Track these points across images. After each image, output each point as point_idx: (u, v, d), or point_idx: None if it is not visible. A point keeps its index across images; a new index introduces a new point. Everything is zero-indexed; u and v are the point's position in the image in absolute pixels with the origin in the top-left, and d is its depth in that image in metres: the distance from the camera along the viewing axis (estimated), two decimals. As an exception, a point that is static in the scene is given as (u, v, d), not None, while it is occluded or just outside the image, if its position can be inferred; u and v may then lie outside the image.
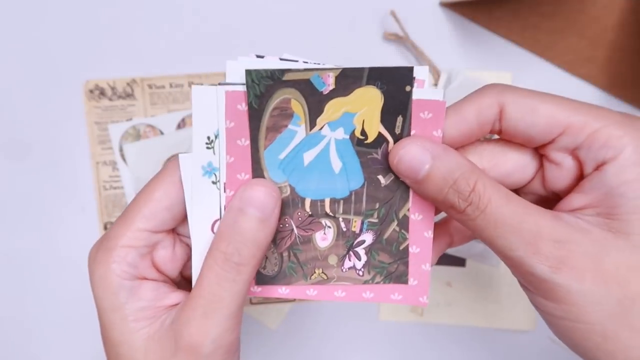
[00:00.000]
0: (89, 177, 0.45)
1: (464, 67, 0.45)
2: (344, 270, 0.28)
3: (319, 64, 0.25)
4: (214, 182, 0.26)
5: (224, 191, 0.26)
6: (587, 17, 0.45)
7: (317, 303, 0.47)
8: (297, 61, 0.25)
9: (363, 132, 0.26)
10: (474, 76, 0.45)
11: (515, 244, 0.24)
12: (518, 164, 0.27)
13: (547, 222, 0.24)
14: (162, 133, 0.45)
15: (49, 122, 0.45)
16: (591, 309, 0.23)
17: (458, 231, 0.30)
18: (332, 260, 0.28)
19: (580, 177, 0.25)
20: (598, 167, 0.24)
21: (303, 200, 0.27)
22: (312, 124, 0.25)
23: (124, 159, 0.45)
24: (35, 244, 0.45)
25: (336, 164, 0.26)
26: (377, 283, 0.28)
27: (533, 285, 0.25)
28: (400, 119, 0.25)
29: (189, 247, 0.28)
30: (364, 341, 0.48)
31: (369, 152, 0.26)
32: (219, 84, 0.25)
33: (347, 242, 0.27)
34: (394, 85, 0.25)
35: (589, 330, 0.24)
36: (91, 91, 0.45)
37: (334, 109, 0.25)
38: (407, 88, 0.25)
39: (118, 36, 0.45)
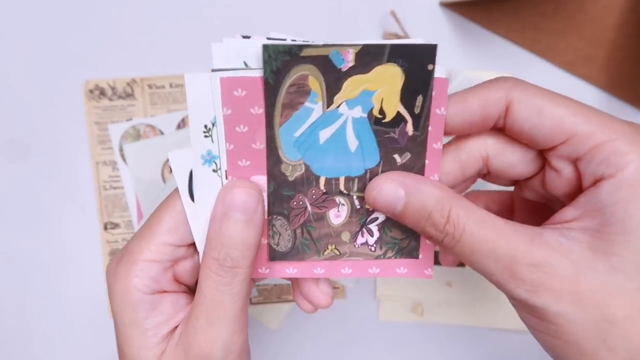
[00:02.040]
0: (89, 177, 0.45)
1: (464, 67, 0.45)
2: (357, 246, 0.28)
3: (307, 41, 0.25)
4: (214, 171, 0.26)
5: (226, 178, 0.26)
6: (587, 17, 0.45)
7: (317, 303, 0.47)
8: (285, 39, 0.25)
9: (381, 111, 0.25)
10: (474, 76, 0.45)
11: (492, 269, 0.24)
12: (523, 159, 0.27)
13: (523, 246, 0.24)
14: (162, 133, 0.45)
15: (49, 122, 0.45)
16: (569, 329, 0.23)
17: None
18: (345, 236, 0.28)
19: (580, 188, 0.25)
20: (595, 182, 0.24)
21: (317, 178, 0.27)
22: (329, 101, 0.25)
23: (124, 159, 0.45)
24: (35, 244, 0.45)
25: (352, 143, 0.26)
26: (388, 258, 0.28)
27: (515, 302, 0.25)
28: (420, 98, 0.25)
29: None
30: (364, 341, 0.48)
31: (387, 131, 0.26)
32: (212, 70, 0.25)
33: (360, 219, 0.27)
34: (416, 63, 0.24)
35: (567, 347, 0.24)
36: (91, 91, 0.45)
37: (352, 86, 0.25)
38: (429, 66, 0.24)
39: (118, 36, 0.45)
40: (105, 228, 0.46)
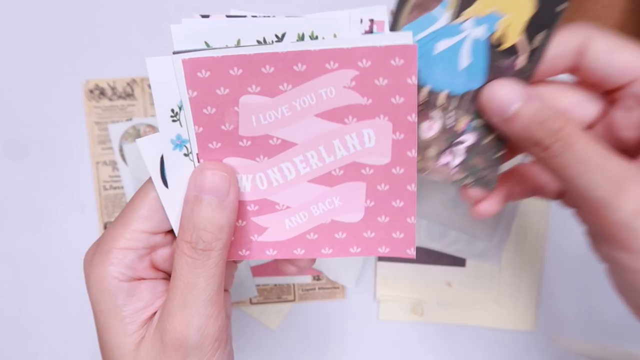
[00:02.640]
0: (89, 177, 0.45)
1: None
2: (438, 165, 0.28)
3: (268, 16, 0.24)
4: (185, 155, 0.26)
5: (198, 162, 0.26)
6: (587, 17, 0.45)
7: (317, 303, 0.47)
8: (245, 16, 0.25)
9: (501, 37, 0.25)
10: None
11: (599, 183, 0.23)
12: (578, 101, 0.27)
13: (631, 166, 0.24)
14: (162, 133, 0.45)
15: (49, 122, 0.45)
16: None
17: (520, 183, 0.30)
18: (431, 152, 0.28)
19: None
20: None
21: (421, 88, 0.27)
22: (458, 13, 0.25)
23: (124, 159, 0.45)
24: (35, 244, 0.45)
25: (464, 61, 0.26)
26: (466, 185, 0.28)
27: (609, 233, 0.24)
28: (542, 35, 0.25)
29: None
30: (364, 341, 0.48)
31: (499, 58, 0.26)
32: (174, 52, 0.24)
33: (449, 138, 0.27)
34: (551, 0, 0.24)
35: None
36: (91, 91, 0.45)
37: (484, 4, 0.25)
38: (561, 7, 0.24)
39: (118, 36, 0.45)
40: (105, 228, 0.46)
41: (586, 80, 0.26)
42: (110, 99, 0.45)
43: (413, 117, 0.26)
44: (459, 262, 0.47)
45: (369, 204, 0.27)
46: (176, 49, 0.25)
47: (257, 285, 0.47)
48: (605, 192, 0.23)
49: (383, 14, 0.25)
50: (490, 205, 0.29)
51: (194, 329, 0.25)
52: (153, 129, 0.45)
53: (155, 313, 0.27)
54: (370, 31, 0.25)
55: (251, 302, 0.47)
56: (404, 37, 0.24)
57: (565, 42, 0.25)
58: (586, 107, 0.27)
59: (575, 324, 0.47)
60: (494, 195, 0.29)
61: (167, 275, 0.28)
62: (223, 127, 0.26)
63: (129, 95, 0.45)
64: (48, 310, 0.46)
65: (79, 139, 0.45)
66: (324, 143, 0.26)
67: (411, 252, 0.28)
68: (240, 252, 0.28)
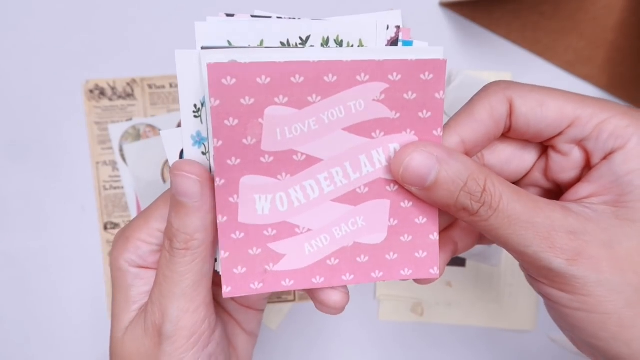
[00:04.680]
0: (89, 177, 0.45)
1: (464, 67, 0.45)
2: None
3: (293, 18, 0.24)
4: (203, 153, 0.25)
5: (213, 174, 0.25)
6: (587, 17, 0.45)
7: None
8: (270, 17, 0.24)
9: None
10: (474, 76, 0.45)
11: (529, 240, 0.24)
12: (516, 152, 0.27)
13: (558, 214, 0.24)
14: (162, 133, 0.45)
15: (49, 122, 0.45)
16: (608, 299, 0.23)
17: (461, 238, 0.30)
18: None
19: (586, 168, 0.26)
20: (606, 157, 0.25)
21: None
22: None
23: (124, 159, 0.45)
24: (35, 244, 0.45)
25: None
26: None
27: (548, 279, 0.25)
28: None
29: None
30: (364, 341, 0.48)
31: None
32: (202, 48, 0.24)
33: None
34: None
35: (605, 320, 0.24)
36: (91, 91, 0.45)
37: None
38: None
39: (118, 36, 0.45)
40: (105, 228, 0.46)
41: (520, 137, 0.27)
42: (110, 99, 0.45)
43: (439, 132, 0.25)
44: (459, 262, 0.47)
45: (393, 222, 0.26)
46: (203, 45, 0.24)
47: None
48: (536, 247, 0.24)
49: (398, 19, 0.24)
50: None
51: (168, 319, 0.26)
52: (153, 129, 0.45)
53: None
54: (397, 38, 0.25)
55: (251, 302, 0.47)
56: (435, 52, 0.24)
57: (494, 107, 0.25)
58: (521, 157, 0.27)
59: (575, 324, 0.47)
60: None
61: None
62: (244, 141, 0.24)
63: (129, 95, 0.45)
64: (48, 310, 0.46)
65: (79, 139, 0.45)
66: (350, 159, 0.25)
67: (434, 272, 0.27)
68: (252, 286, 0.26)
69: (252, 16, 0.24)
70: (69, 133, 0.45)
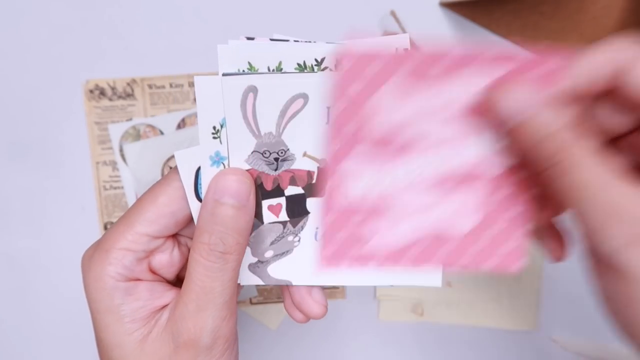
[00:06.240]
0: (89, 177, 0.45)
1: (464, 67, 0.45)
2: None
3: (309, 41, 0.25)
4: None
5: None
6: (587, 17, 0.45)
7: (317, 303, 0.47)
8: (288, 40, 0.25)
9: None
10: (474, 76, 0.45)
11: (594, 213, 0.22)
12: (611, 112, 0.25)
13: (631, 198, 0.22)
14: (162, 133, 0.45)
15: (49, 122, 0.45)
16: None
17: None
18: None
19: None
20: None
21: None
22: None
23: (124, 159, 0.45)
24: (35, 244, 0.45)
25: None
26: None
27: (599, 262, 0.23)
28: None
29: (187, 251, 0.28)
30: (364, 341, 0.48)
31: None
32: (223, 74, 0.25)
33: None
34: None
35: None
36: (91, 91, 0.45)
37: None
38: None
39: (118, 36, 0.45)
40: (105, 228, 0.46)
41: (623, 102, 0.25)
42: (110, 99, 0.45)
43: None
44: (459, 262, 0.47)
45: (483, 213, 0.26)
46: (221, 69, 0.25)
47: (257, 285, 0.47)
48: (598, 223, 0.22)
49: (406, 42, 0.25)
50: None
51: (207, 331, 0.25)
52: (153, 129, 0.45)
53: (156, 311, 0.27)
54: None
55: (251, 302, 0.47)
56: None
57: (619, 56, 0.24)
58: (619, 119, 0.25)
59: (575, 324, 0.47)
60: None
61: (164, 280, 0.28)
62: (346, 128, 0.25)
63: (129, 95, 0.45)
64: (48, 310, 0.46)
65: (79, 139, 0.45)
66: (448, 146, 0.25)
67: (518, 267, 0.26)
68: (340, 264, 0.27)
69: (271, 39, 0.25)
70: (69, 133, 0.45)
